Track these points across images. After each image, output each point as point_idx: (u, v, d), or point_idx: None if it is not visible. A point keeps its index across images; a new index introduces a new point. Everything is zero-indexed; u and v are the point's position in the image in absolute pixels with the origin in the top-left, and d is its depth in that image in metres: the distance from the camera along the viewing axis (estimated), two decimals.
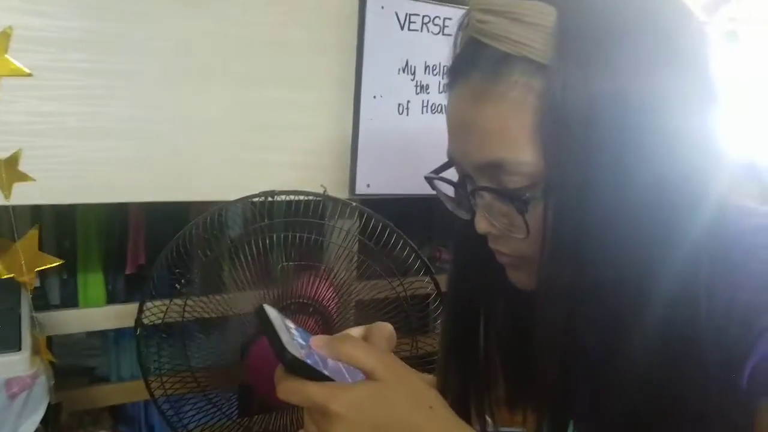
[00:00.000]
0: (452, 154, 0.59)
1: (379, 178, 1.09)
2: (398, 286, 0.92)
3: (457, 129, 0.56)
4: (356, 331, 0.57)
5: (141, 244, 1.24)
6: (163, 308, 0.91)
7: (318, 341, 0.51)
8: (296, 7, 1.02)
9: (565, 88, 0.48)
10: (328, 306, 0.99)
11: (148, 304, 0.92)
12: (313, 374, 0.49)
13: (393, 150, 1.10)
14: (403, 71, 1.10)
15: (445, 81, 0.59)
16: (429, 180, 0.64)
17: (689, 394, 0.50)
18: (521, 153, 0.51)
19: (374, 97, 1.07)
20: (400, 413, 0.47)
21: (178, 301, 0.93)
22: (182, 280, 0.91)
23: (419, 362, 0.97)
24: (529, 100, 0.50)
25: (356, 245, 0.98)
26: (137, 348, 0.92)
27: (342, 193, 1.08)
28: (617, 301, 0.50)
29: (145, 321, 0.92)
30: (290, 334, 0.50)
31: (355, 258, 0.97)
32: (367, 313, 0.97)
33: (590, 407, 0.56)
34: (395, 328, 0.57)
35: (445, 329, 0.70)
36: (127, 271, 1.21)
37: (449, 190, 0.65)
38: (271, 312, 0.51)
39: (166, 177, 0.97)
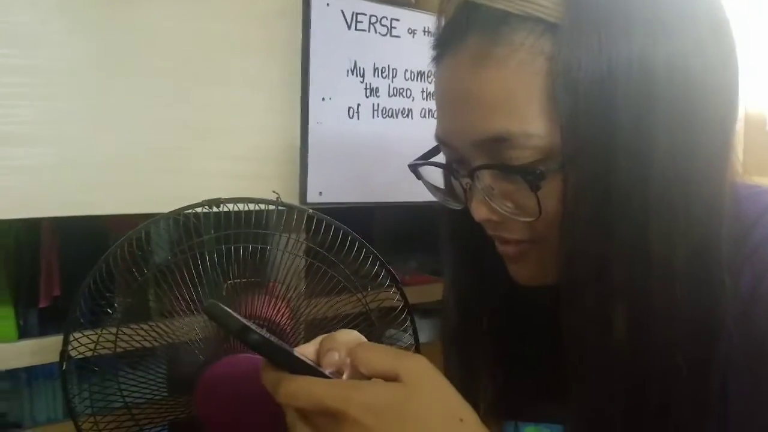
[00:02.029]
0: (444, 134, 0.53)
1: (333, 186, 1.02)
2: (364, 299, 0.84)
3: (452, 103, 0.50)
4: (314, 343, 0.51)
5: (55, 273, 1.11)
6: (94, 338, 0.79)
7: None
8: (236, 1, 0.94)
9: (580, 50, 0.43)
10: (284, 326, 0.89)
11: (76, 335, 0.79)
12: (291, 361, 0.43)
13: (346, 156, 1.03)
14: (352, 73, 1.04)
15: (431, 54, 0.53)
16: (413, 168, 0.57)
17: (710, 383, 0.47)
18: (530, 124, 0.46)
19: (323, 99, 1.00)
20: (425, 424, 0.40)
21: (111, 330, 0.81)
22: (115, 305, 0.79)
23: None
24: (538, 64, 0.45)
25: (313, 257, 0.90)
26: (63, 386, 0.79)
27: (293, 203, 0.99)
28: (646, 278, 0.46)
29: (72, 354, 0.79)
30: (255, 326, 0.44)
31: (312, 271, 0.88)
32: (329, 331, 0.88)
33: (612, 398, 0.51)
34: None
35: (447, 339, 0.63)
36: (41, 305, 1.07)
37: (436, 180, 0.58)
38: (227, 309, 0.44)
39: (87, 189, 0.85)
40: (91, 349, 0.78)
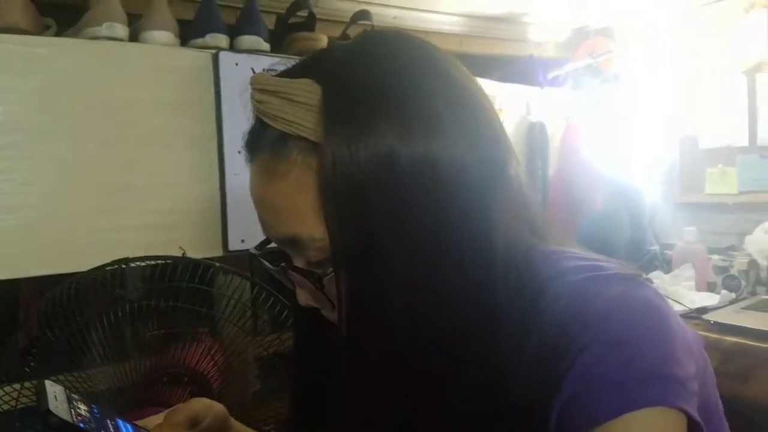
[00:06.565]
0: (261, 227, 0.59)
1: (254, 233, 1.06)
2: (264, 343, 0.89)
3: (256, 204, 0.57)
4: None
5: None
6: (18, 392, 0.86)
7: None
8: (147, 64, 1.01)
9: (334, 164, 0.48)
10: (207, 374, 0.95)
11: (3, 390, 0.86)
12: None
13: None
14: None
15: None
16: (253, 256, 0.63)
17: None
18: (312, 230, 0.51)
19: (239, 151, 1.05)
20: None
21: (28, 385, 0.87)
22: (37, 358, 0.86)
23: None
24: (309, 178, 0.50)
25: (242, 305, 0.96)
26: None
27: (216, 251, 1.05)
28: (417, 368, 0.50)
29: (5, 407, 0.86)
30: (73, 407, 0.48)
31: (228, 317, 0.94)
32: (246, 375, 0.93)
33: None
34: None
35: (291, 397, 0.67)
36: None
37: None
38: (56, 389, 0.49)
39: (8, 252, 0.91)
40: (13, 406, 0.84)
